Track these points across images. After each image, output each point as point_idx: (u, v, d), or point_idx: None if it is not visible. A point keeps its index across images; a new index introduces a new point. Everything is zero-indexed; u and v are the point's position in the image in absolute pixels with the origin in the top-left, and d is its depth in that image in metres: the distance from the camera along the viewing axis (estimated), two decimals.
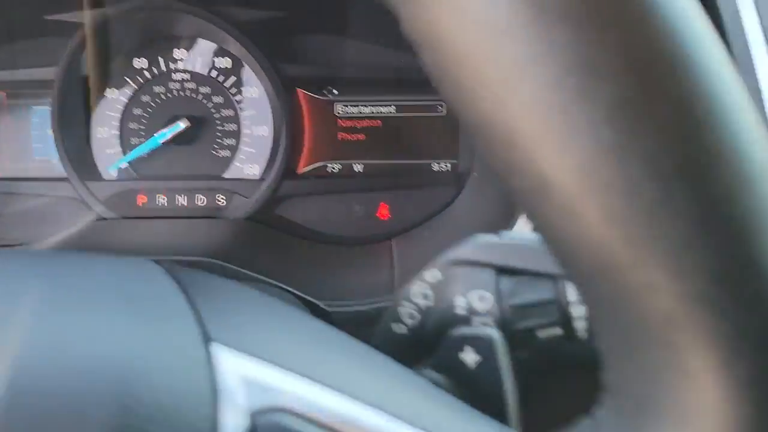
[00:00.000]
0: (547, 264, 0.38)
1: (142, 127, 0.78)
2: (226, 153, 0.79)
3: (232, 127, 0.79)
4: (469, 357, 0.37)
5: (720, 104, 0.22)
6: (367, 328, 0.40)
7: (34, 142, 0.79)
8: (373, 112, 0.79)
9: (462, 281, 0.39)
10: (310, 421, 0.27)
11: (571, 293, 0.37)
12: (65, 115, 0.76)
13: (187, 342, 0.28)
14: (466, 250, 0.40)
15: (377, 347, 0.34)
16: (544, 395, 0.39)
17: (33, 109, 0.79)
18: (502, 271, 0.39)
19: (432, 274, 0.40)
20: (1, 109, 0.79)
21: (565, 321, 0.38)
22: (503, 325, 0.38)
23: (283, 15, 0.76)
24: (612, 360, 0.26)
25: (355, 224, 0.79)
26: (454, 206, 0.78)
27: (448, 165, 0.80)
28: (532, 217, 0.24)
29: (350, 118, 0.80)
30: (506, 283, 0.38)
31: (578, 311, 0.37)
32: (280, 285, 0.62)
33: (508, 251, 0.39)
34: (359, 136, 0.80)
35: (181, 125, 0.78)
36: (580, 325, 0.37)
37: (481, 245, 0.40)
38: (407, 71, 0.76)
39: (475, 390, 0.36)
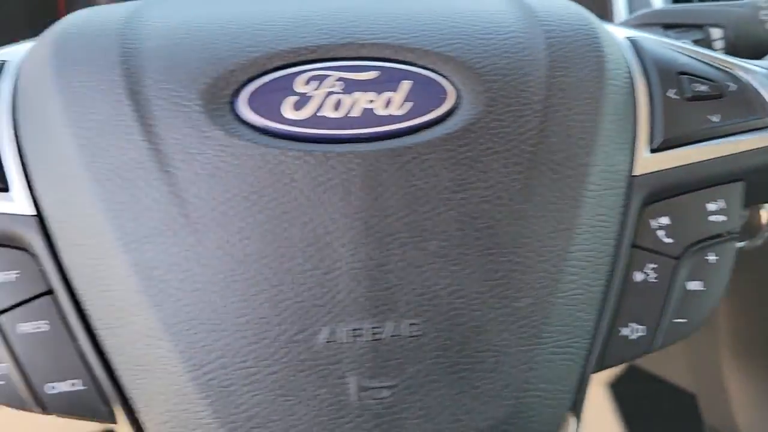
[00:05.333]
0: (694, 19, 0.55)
1: None
2: None
3: None
4: None
5: None
6: None
7: None
8: None
9: None
10: None
11: (714, 33, 0.54)
12: None
13: None
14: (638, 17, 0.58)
15: None
16: None
17: None
18: (667, 26, 0.55)
19: None
20: None
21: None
22: None
23: None
24: None
25: None
26: None
27: None
28: None
29: None
30: (671, 33, 0.55)
31: (718, 45, 0.53)
32: None
33: (669, 14, 0.56)
34: None
35: None
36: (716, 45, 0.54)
37: (647, 14, 0.57)
38: None
39: None
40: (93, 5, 0.86)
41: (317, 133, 0.33)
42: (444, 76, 0.34)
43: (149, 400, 0.33)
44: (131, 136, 0.33)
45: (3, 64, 0.36)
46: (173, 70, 0.33)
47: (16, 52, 0.38)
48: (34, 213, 0.34)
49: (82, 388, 0.34)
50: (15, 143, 0.34)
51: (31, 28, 0.65)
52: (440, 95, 0.34)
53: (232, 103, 0.33)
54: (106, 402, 0.34)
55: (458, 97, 0.34)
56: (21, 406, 0.34)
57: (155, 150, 0.32)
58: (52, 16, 0.86)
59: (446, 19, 0.36)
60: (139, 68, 0.33)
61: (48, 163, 0.33)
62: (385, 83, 0.33)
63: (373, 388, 0.32)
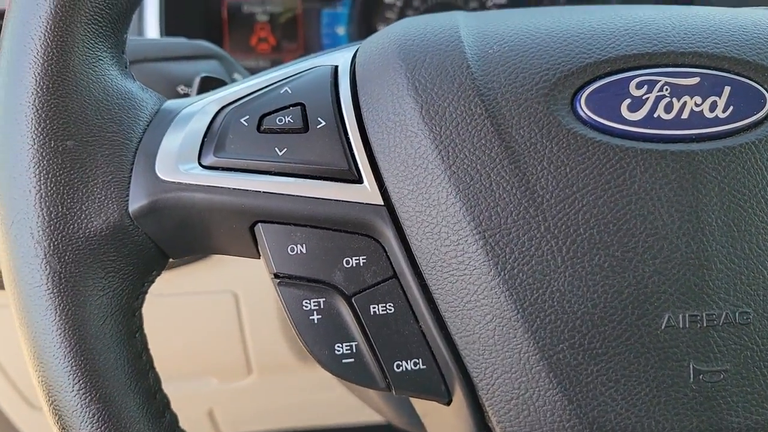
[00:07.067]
0: None
1: None
2: None
3: None
4: None
5: None
6: None
7: None
8: None
9: None
10: None
11: None
12: None
13: None
14: None
15: None
16: None
17: None
18: None
19: None
20: None
21: None
22: None
23: None
24: None
25: None
26: None
27: None
28: None
29: None
30: None
31: None
32: None
33: None
34: None
35: None
36: None
37: None
38: None
39: None
40: (253, 19, 0.91)
41: (653, 133, 0.35)
42: (757, 83, 0.36)
43: (492, 379, 0.35)
44: (484, 134, 0.35)
45: (336, 67, 0.39)
46: (516, 74, 0.36)
47: (335, 58, 0.41)
48: (383, 203, 0.36)
49: (422, 367, 0.36)
50: (362, 139, 0.37)
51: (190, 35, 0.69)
52: (760, 100, 0.36)
53: (572, 104, 0.36)
54: (446, 381, 0.37)
55: None
56: (369, 384, 0.36)
57: (506, 146, 0.35)
58: (218, 29, 0.90)
59: (745, 28, 0.38)
60: (485, 72, 0.36)
61: (399, 158, 0.36)
62: (708, 88, 0.36)
63: (708, 371, 0.35)
